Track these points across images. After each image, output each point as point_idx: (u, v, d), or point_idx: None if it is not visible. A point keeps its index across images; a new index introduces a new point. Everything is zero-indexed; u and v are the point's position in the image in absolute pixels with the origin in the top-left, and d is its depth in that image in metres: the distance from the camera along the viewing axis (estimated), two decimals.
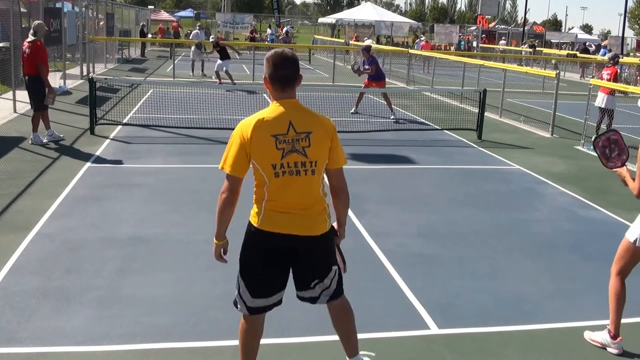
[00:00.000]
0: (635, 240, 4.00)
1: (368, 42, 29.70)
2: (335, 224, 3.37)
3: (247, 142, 3.04)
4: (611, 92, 11.94)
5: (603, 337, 4.24)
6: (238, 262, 3.30)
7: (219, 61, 18.09)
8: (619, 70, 13.23)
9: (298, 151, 3.05)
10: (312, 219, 3.16)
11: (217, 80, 17.84)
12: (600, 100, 12.10)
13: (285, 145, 3.04)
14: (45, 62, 9.54)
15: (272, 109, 3.11)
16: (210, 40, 20.24)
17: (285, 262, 3.23)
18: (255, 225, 3.16)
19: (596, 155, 4.22)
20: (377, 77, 13.74)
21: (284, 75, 3.10)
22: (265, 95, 16.11)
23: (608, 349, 4.20)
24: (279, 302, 3.34)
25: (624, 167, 4.10)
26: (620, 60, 17.67)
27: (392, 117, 13.57)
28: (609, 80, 12.17)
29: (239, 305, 3.32)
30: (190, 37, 24.06)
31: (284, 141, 3.03)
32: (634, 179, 3.96)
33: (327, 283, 3.31)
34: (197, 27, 25.57)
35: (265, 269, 3.21)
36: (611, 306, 4.18)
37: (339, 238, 3.41)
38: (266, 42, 34.22)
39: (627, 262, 4.12)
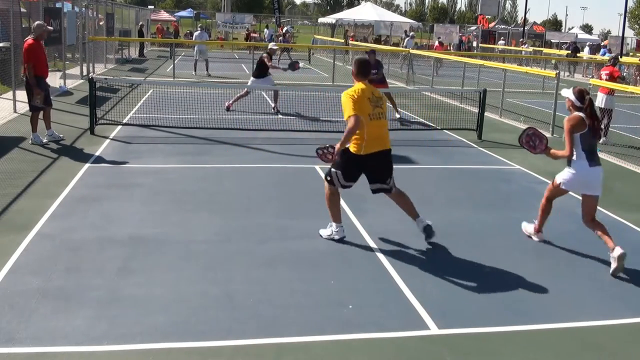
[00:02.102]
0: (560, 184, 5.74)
1: (412, 37, 30.35)
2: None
3: None
4: (610, 92, 11.94)
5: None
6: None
7: (258, 80, 13.79)
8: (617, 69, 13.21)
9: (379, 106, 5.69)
10: (387, 140, 5.75)
11: (232, 103, 13.66)
12: (600, 100, 12.10)
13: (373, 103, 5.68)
14: (36, 62, 9.37)
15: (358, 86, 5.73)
16: (273, 46, 14.67)
17: (366, 167, 5.74)
18: (359, 153, 5.58)
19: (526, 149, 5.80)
20: (379, 81, 13.68)
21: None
22: (264, 94, 16.12)
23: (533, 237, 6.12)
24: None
25: (548, 147, 5.80)
26: (620, 59, 17.66)
27: (397, 115, 13.60)
28: (607, 80, 12.17)
29: (335, 183, 5.79)
30: (194, 38, 23.92)
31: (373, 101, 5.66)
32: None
33: (392, 180, 5.90)
34: (199, 28, 25.30)
35: (358, 172, 5.78)
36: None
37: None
38: (264, 42, 34.27)
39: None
